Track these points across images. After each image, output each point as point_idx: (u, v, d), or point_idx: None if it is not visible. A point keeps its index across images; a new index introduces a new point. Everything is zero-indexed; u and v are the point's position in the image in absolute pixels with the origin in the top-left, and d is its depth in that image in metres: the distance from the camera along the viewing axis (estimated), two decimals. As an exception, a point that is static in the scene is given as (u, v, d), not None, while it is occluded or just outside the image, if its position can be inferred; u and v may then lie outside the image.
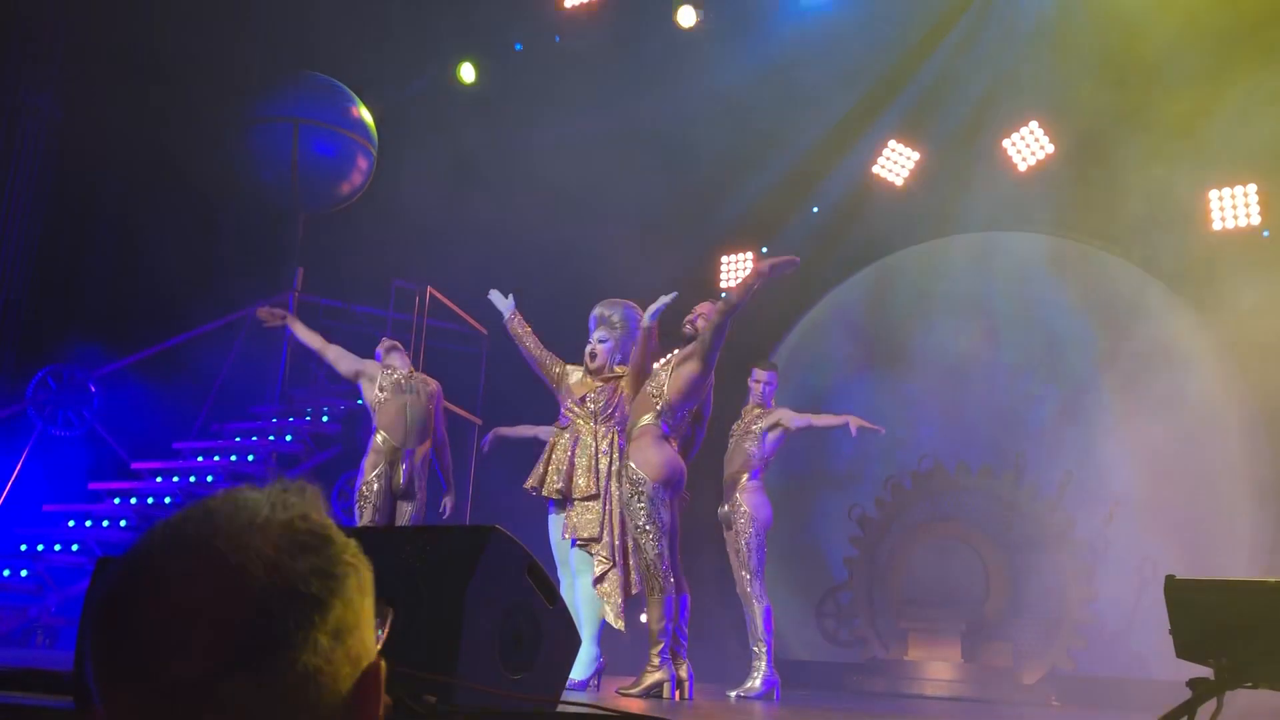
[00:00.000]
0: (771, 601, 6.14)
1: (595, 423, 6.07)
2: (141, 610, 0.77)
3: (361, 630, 0.82)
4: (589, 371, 6.16)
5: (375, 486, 6.44)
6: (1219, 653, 2.96)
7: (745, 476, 6.27)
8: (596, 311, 6.27)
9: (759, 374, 6.55)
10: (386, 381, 6.65)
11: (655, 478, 5.36)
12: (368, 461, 6.49)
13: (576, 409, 6.11)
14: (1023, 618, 8.27)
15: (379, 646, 0.84)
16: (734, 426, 6.60)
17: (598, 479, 5.93)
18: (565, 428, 6.12)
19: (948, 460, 8.81)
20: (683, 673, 5.31)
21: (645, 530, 5.37)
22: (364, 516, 6.42)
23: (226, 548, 0.78)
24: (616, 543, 5.79)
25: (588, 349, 6.15)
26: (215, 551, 0.78)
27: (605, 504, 5.88)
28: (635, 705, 4.41)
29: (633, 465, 5.33)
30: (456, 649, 2.73)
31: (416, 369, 7.10)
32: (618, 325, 6.11)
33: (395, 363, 6.76)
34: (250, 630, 0.76)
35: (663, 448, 5.48)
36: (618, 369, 6.12)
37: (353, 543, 0.84)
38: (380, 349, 6.87)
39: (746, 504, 6.16)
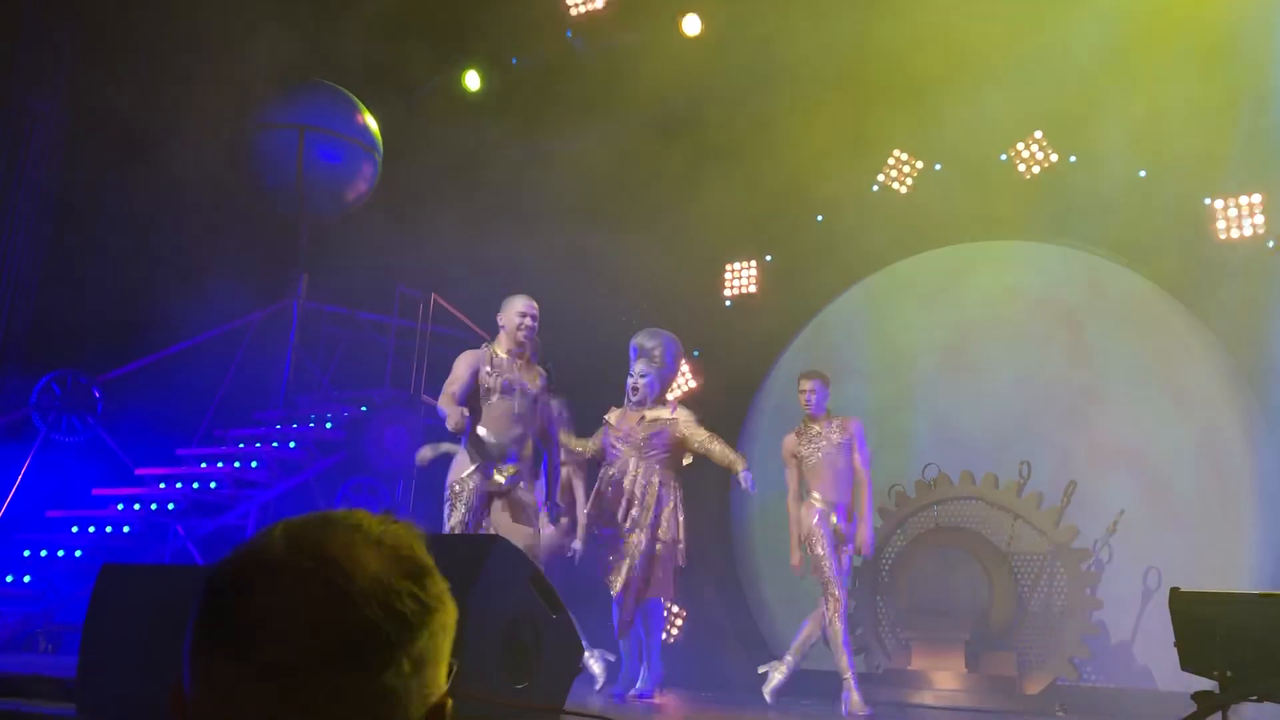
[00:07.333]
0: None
1: (641, 457, 6.29)
2: (251, 597, 0.82)
3: (439, 667, 0.87)
4: (631, 404, 6.41)
5: None
6: (1224, 666, 2.95)
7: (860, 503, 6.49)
8: (637, 342, 6.49)
9: (804, 383, 6.71)
10: None
11: None
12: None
13: (621, 445, 6.33)
14: (1026, 627, 8.23)
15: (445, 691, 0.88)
16: (791, 442, 6.61)
17: (644, 509, 6.18)
18: (613, 463, 6.33)
19: (951, 469, 8.78)
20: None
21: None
22: None
23: (339, 555, 0.83)
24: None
25: (630, 383, 6.41)
26: (329, 556, 0.83)
27: (651, 535, 6.18)
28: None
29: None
30: (459, 658, 2.72)
31: (421, 375, 7.10)
32: (658, 360, 6.40)
33: None
34: (345, 633, 0.80)
35: None
36: (656, 411, 6.38)
37: (447, 583, 0.89)
38: None
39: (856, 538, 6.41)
